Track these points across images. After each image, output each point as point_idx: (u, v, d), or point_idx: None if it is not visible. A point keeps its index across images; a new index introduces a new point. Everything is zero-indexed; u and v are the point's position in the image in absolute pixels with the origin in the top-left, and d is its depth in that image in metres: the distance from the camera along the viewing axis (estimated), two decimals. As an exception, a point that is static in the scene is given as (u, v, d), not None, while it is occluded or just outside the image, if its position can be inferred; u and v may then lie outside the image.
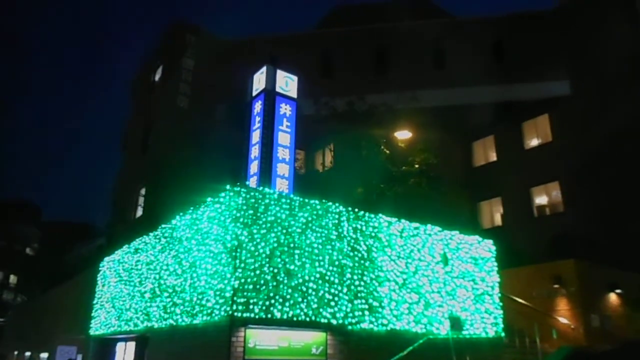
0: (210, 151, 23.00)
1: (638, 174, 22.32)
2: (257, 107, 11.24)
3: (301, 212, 9.63)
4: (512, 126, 27.72)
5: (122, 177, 31.48)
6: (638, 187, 21.40)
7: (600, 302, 15.67)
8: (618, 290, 16.05)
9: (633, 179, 21.78)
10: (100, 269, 16.70)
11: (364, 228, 10.46)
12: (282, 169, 10.83)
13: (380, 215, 10.87)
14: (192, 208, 10.73)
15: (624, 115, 23.16)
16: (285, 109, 11.33)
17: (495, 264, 12.75)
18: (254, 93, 11.53)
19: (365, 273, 10.12)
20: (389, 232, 10.85)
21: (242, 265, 8.55)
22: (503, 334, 12.25)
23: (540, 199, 26.26)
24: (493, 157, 28.73)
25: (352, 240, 10.17)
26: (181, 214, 11.23)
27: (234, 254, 8.56)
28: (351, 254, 10.04)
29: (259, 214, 9.05)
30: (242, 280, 8.45)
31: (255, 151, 10.84)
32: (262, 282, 8.67)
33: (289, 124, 11.24)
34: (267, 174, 10.31)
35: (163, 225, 12.13)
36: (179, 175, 22.61)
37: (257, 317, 8.39)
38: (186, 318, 9.73)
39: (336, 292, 9.55)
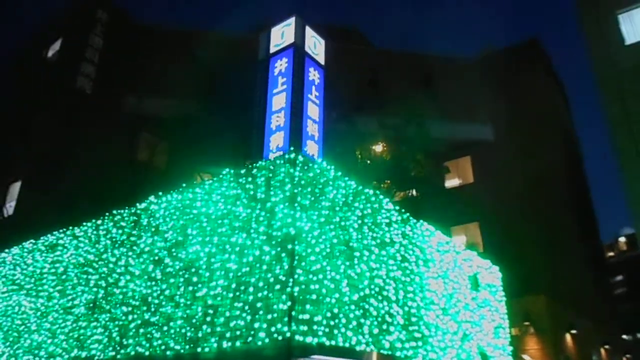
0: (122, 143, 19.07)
1: (554, 222, 23.39)
2: (281, 65, 8.59)
3: (356, 202, 7.17)
4: (434, 164, 27.86)
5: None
6: (551, 234, 22.31)
7: (563, 341, 15.20)
8: (573, 331, 15.81)
9: (545, 225, 22.68)
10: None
11: (410, 234, 8.28)
12: (312, 149, 8.25)
13: (422, 221, 8.79)
14: (183, 186, 7.58)
15: (541, 162, 24.49)
16: (314, 75, 8.87)
17: (503, 293, 11.33)
18: (273, 49, 8.85)
19: (416, 291, 7.86)
20: (429, 244, 8.79)
21: (303, 264, 5.79)
22: (514, 375, 10.72)
23: (459, 239, 26.32)
24: (413, 192, 28.48)
25: (402, 248, 7.90)
26: (159, 194, 7.94)
27: (289, 246, 5.77)
28: (402, 265, 7.74)
29: (316, 196, 6.42)
30: (303, 287, 5.68)
31: (278, 120, 8.13)
32: (323, 291, 5.97)
33: (317, 94, 8.77)
34: (296, 151, 7.64)
35: (116, 212, 8.60)
36: (80, 167, 18.17)
37: (318, 344, 5.63)
38: (176, 345, 6.45)
39: (394, 313, 7.14)
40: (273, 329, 5.47)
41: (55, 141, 21.37)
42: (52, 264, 9.44)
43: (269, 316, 5.57)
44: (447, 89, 28.43)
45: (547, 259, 20.06)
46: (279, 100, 8.37)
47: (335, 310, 6.02)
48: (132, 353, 6.93)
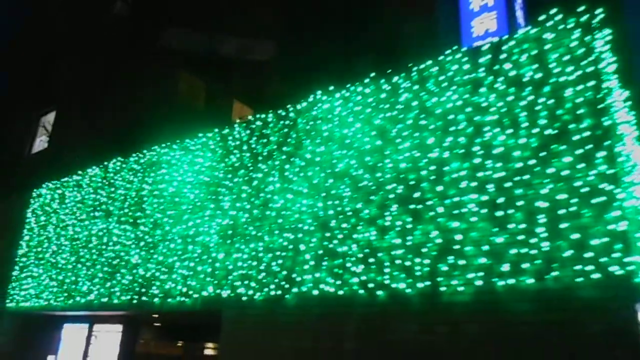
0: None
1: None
2: None
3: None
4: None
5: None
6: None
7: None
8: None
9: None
10: (34, 200, 10.00)
11: None
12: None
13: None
14: (370, 75, 5.61)
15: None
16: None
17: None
18: None
19: None
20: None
21: (627, 167, 3.93)
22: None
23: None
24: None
25: None
26: (330, 89, 5.98)
27: (605, 143, 3.89)
28: None
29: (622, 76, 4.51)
30: None
31: (483, -2, 6.10)
32: None
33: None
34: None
35: (253, 117, 6.66)
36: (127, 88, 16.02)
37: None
38: (393, 283, 4.64)
39: None
40: (602, 260, 3.65)
41: (90, 70, 19.17)
42: (153, 184, 7.56)
43: (591, 242, 3.73)
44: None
45: None
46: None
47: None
48: (314, 292, 5.12)
